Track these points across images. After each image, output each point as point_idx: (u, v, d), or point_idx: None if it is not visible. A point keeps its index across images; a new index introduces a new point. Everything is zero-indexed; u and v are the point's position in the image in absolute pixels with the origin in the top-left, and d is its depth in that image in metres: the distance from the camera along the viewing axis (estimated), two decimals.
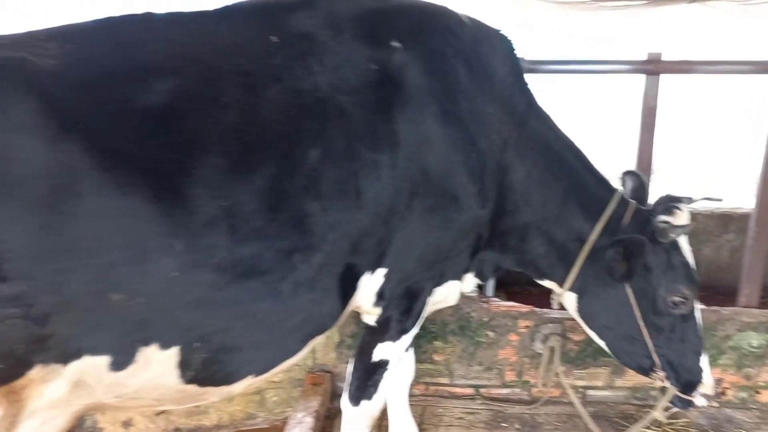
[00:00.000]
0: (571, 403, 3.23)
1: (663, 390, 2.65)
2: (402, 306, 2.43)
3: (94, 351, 1.72)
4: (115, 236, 1.66)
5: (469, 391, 3.87)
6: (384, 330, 2.48)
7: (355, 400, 2.63)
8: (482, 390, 3.86)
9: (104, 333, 1.71)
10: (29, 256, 1.55)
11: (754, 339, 3.66)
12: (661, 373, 2.56)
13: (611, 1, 5.08)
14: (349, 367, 2.68)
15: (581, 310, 2.68)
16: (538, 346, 3.66)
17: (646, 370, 2.63)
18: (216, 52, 1.96)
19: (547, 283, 2.75)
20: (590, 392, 3.81)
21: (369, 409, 2.65)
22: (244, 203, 1.84)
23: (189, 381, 1.92)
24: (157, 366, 1.83)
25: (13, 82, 1.60)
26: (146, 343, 1.78)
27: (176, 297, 1.77)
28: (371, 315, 2.45)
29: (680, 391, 2.58)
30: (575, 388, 3.71)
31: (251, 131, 1.90)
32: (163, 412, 3.76)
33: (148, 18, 1.98)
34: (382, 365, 2.57)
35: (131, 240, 1.68)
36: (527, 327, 3.71)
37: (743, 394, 3.77)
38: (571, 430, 3.49)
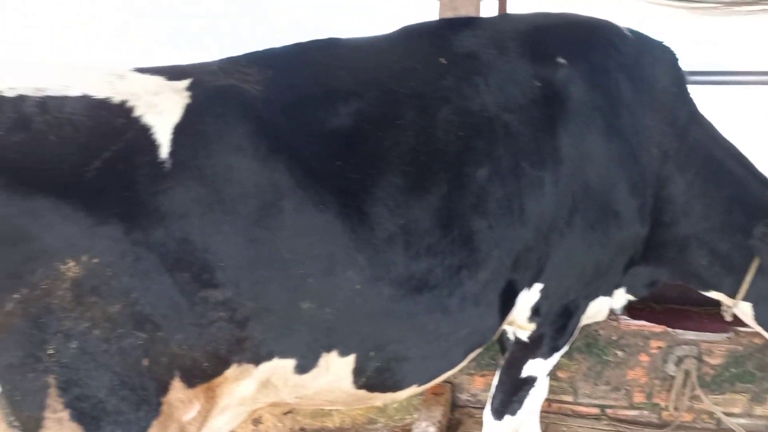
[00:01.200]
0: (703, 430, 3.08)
1: None
2: (557, 323, 2.42)
3: (284, 354, 1.83)
4: (310, 250, 1.75)
5: (594, 410, 3.76)
6: (536, 346, 2.47)
7: (499, 414, 2.63)
8: (608, 410, 3.75)
9: (293, 338, 1.82)
10: (237, 266, 1.67)
11: None
12: None
13: (746, 6, 4.83)
14: (494, 380, 2.68)
15: (759, 318, 2.57)
16: (671, 368, 3.51)
17: None
18: (392, 76, 2.05)
19: (714, 295, 2.65)
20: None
21: (511, 424, 2.64)
22: (418, 221, 1.90)
23: (360, 387, 2.03)
24: (336, 371, 1.94)
25: (231, 109, 1.73)
26: (329, 349, 1.88)
27: (358, 308, 1.86)
28: (524, 330, 2.44)
29: None
30: (710, 413, 3.54)
31: (425, 152, 1.96)
32: (290, 411, 3.90)
33: (333, 43, 2.10)
34: (530, 382, 2.56)
35: (323, 253, 1.77)
36: (659, 348, 3.57)
37: None
38: None
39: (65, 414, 1.56)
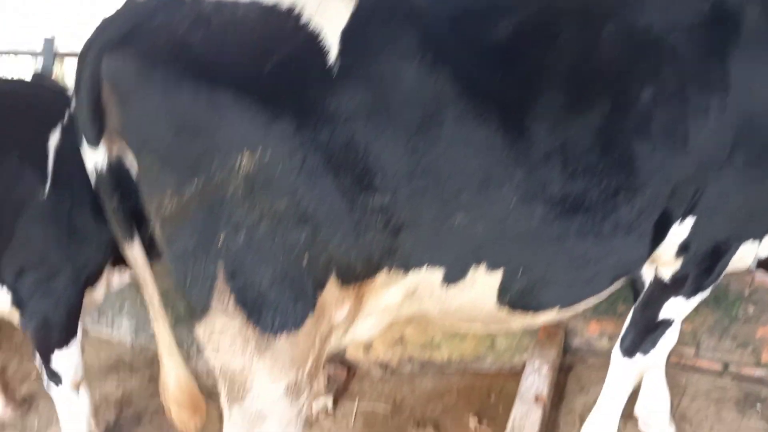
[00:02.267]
0: None
1: None
2: (705, 263, 2.29)
3: (433, 264, 1.86)
4: (467, 163, 1.73)
5: (717, 366, 3.61)
6: (678, 286, 2.36)
7: (629, 353, 2.56)
8: (732, 367, 3.58)
9: (445, 249, 1.84)
10: (396, 174, 1.68)
11: None
12: None
13: None
14: (627, 319, 2.60)
15: None
16: None
17: None
18: None
19: None
20: None
21: (642, 363, 2.57)
22: (577, 140, 1.83)
23: (503, 304, 2.05)
24: (481, 286, 1.95)
25: (398, 16, 1.70)
26: (478, 262, 1.90)
27: (510, 225, 1.84)
28: (668, 268, 2.33)
29: None
30: None
31: (587, 69, 1.87)
32: (400, 340, 3.99)
33: None
34: (666, 324, 2.47)
35: (480, 167, 1.75)
36: None
37: None
38: None
39: (231, 299, 1.68)
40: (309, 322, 1.76)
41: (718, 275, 2.35)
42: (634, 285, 2.79)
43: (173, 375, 2.01)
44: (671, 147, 1.94)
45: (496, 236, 1.85)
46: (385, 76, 1.65)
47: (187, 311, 1.78)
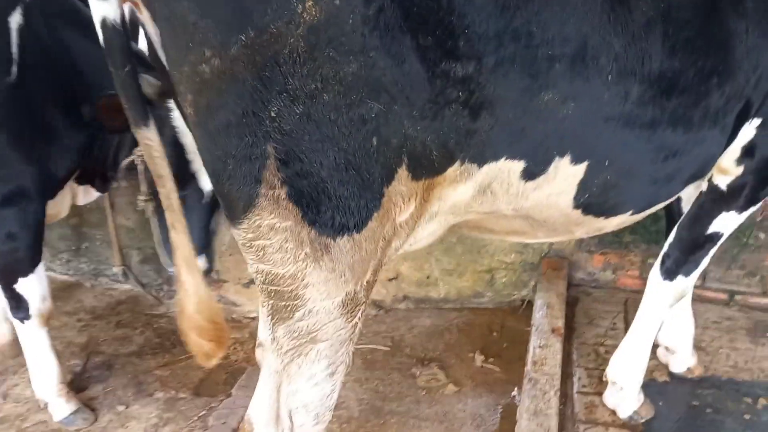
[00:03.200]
0: None
1: None
2: (765, 172, 2.08)
3: (514, 155, 1.57)
4: (563, 28, 1.44)
5: (723, 296, 3.51)
6: (734, 197, 2.14)
7: (671, 274, 2.34)
8: (738, 297, 3.49)
9: (528, 137, 1.55)
10: (484, 37, 1.36)
11: None
12: None
13: None
14: (668, 239, 2.39)
15: None
16: None
17: None
18: None
19: None
20: None
21: (683, 286, 2.37)
22: (680, 7, 1.56)
23: (577, 206, 1.80)
24: (562, 182, 1.69)
25: None
26: (562, 154, 1.62)
27: (603, 106, 1.57)
28: (726, 176, 2.12)
29: None
30: None
31: None
32: (395, 278, 3.73)
33: None
34: (715, 239, 2.25)
35: (577, 33, 1.46)
36: None
37: None
38: None
39: (282, 192, 1.33)
40: (373, 223, 1.44)
41: None
42: (669, 209, 2.59)
43: (192, 294, 1.62)
44: (764, 27, 1.71)
45: (587, 120, 1.58)
46: None
47: (227, 207, 1.44)
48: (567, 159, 1.64)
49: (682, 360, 2.86)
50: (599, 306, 3.49)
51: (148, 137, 1.47)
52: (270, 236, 1.39)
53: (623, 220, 1.99)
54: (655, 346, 2.78)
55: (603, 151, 1.68)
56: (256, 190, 1.33)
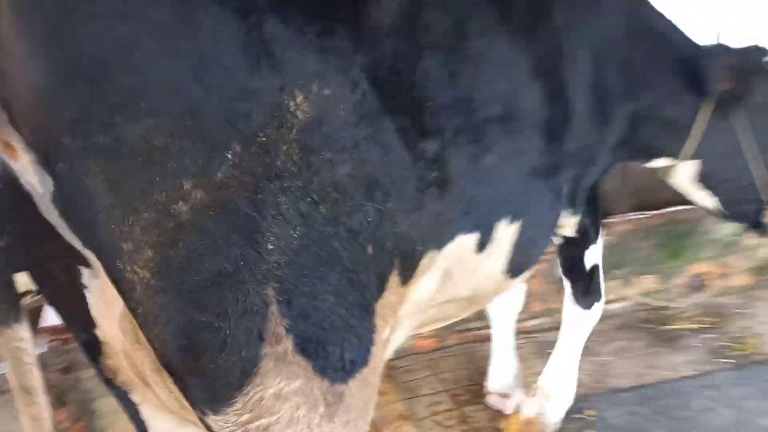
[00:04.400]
0: None
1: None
2: (589, 206, 2.26)
3: (468, 229, 1.44)
4: (491, 87, 1.43)
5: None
6: (586, 236, 2.33)
7: (588, 305, 2.54)
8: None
9: (477, 206, 1.44)
10: (441, 108, 1.29)
11: (725, 229, 3.81)
12: None
13: None
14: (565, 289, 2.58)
15: (703, 173, 2.36)
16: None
17: (757, 215, 2.42)
18: None
19: (657, 162, 2.40)
20: None
21: (600, 308, 2.58)
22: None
23: (506, 269, 1.68)
24: (501, 248, 1.59)
25: None
26: (503, 216, 1.54)
27: (526, 163, 1.59)
28: (570, 227, 2.27)
29: None
30: None
31: None
32: None
33: None
34: (596, 269, 2.47)
35: (505, 90, 1.48)
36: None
37: (721, 281, 3.94)
38: None
39: (289, 343, 1.03)
40: (376, 347, 1.19)
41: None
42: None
43: None
44: None
45: (518, 179, 1.54)
46: None
47: (207, 389, 1.04)
48: (506, 220, 1.56)
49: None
50: None
51: (20, 337, 1.01)
52: (276, 408, 1.05)
53: (525, 277, 1.96)
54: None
55: (529, 205, 1.63)
56: (259, 352, 1.01)
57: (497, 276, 1.68)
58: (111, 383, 1.20)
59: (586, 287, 2.50)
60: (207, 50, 0.92)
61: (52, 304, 1.14)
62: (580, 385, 3.04)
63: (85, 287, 1.04)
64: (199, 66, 0.91)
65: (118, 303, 1.00)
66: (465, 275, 1.54)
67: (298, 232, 1.00)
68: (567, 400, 2.69)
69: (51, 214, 0.95)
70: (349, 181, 1.07)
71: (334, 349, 1.08)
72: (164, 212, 0.91)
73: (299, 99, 0.99)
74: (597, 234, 2.40)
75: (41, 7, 0.84)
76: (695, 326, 3.54)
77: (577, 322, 2.59)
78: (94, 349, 1.14)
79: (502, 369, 2.90)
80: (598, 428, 2.72)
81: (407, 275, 1.26)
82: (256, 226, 0.96)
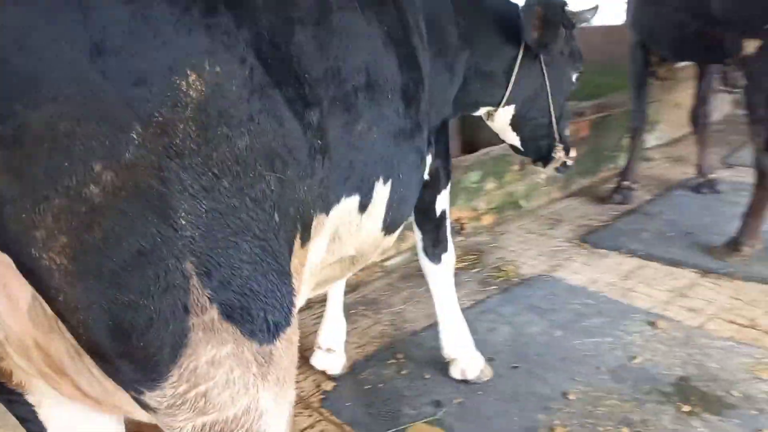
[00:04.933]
0: None
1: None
2: (441, 146, 2.47)
3: (350, 192, 1.58)
4: (358, 56, 1.57)
5: None
6: (437, 181, 2.52)
7: (437, 257, 2.69)
8: None
9: (354, 171, 1.58)
10: (317, 77, 1.39)
11: (472, 177, 4.50)
12: (559, 146, 2.81)
13: None
14: (415, 235, 2.72)
15: (515, 116, 2.72)
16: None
17: (549, 152, 2.83)
18: None
19: (481, 111, 2.74)
20: None
21: (450, 259, 2.74)
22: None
23: (383, 227, 1.88)
24: (378, 207, 1.76)
25: None
26: (377, 178, 1.69)
27: (390, 125, 1.73)
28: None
29: (564, 158, 2.87)
30: None
31: None
32: None
33: None
34: (444, 215, 2.64)
35: (368, 62, 1.61)
36: None
37: (474, 223, 4.62)
38: None
39: (214, 312, 1.07)
40: (295, 308, 1.28)
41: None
42: None
43: None
44: None
45: (386, 141, 1.69)
46: None
47: (139, 369, 1.05)
48: (380, 182, 1.71)
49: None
50: None
51: None
52: (211, 374, 1.09)
53: (397, 233, 2.12)
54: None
55: (397, 166, 1.79)
56: (186, 324, 1.03)
57: (377, 234, 1.87)
58: (4, 387, 1.15)
59: (435, 236, 2.66)
60: (99, 35, 0.93)
61: None
62: (385, 335, 3.33)
63: None
64: (93, 51, 0.92)
65: (23, 296, 1.00)
66: (350, 235, 1.69)
67: (204, 206, 1.04)
68: (474, 356, 2.85)
69: None
70: (248, 153, 1.11)
71: (258, 312, 1.14)
72: (76, 197, 0.91)
73: (192, 78, 1.01)
74: (448, 179, 2.58)
75: None
76: (462, 265, 4.02)
77: (436, 278, 2.77)
78: None
79: (332, 325, 3.00)
80: (410, 368, 2.98)
81: (305, 238, 1.35)
82: (167, 203, 0.99)
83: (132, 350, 1.01)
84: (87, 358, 1.06)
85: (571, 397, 2.63)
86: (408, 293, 3.76)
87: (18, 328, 1.05)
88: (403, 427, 2.57)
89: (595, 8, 2.63)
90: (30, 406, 1.24)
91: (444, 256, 2.72)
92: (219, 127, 1.05)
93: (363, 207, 1.67)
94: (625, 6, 6.72)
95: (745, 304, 3.29)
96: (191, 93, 1.01)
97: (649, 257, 3.92)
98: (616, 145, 5.69)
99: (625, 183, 4.87)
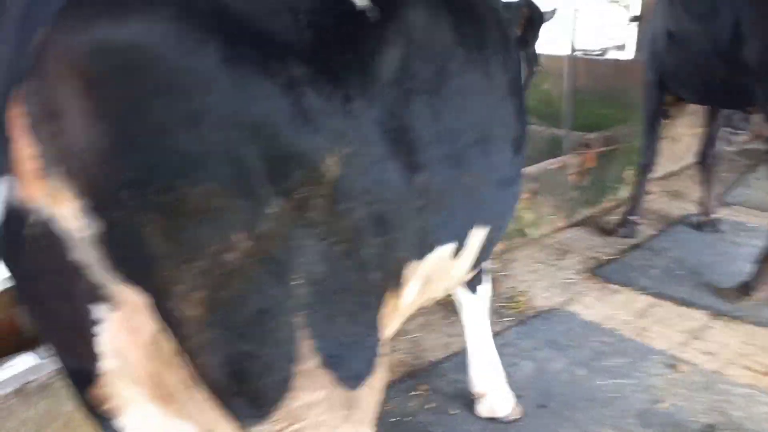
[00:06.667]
0: None
1: None
2: None
3: (446, 240, 1.62)
4: (471, 114, 1.61)
5: None
6: None
7: (473, 288, 2.70)
8: None
9: (456, 219, 1.63)
10: (428, 142, 1.43)
11: None
12: None
13: None
14: None
15: None
16: None
17: None
18: None
19: None
20: None
21: (486, 291, 2.76)
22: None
23: (471, 267, 1.93)
24: (472, 251, 1.79)
25: None
26: (475, 224, 1.74)
27: (496, 172, 1.80)
28: None
29: None
30: None
31: None
32: None
33: None
34: None
35: (480, 117, 1.66)
36: None
37: None
38: None
39: (315, 361, 1.19)
40: (380, 358, 1.37)
41: None
42: None
43: None
44: None
45: (491, 190, 1.76)
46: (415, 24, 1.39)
47: (244, 407, 1.18)
48: (477, 228, 1.76)
49: None
50: None
51: None
52: (306, 415, 1.21)
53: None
54: None
55: (496, 212, 1.86)
56: (292, 371, 1.16)
57: (463, 273, 1.94)
58: (94, 411, 1.25)
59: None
60: (261, 120, 1.04)
61: (48, 339, 1.20)
62: (404, 363, 3.30)
63: (97, 323, 1.08)
64: (253, 135, 1.03)
65: (147, 331, 1.09)
66: (440, 279, 1.74)
67: (318, 270, 1.15)
68: (506, 394, 2.84)
69: (86, 255, 1.00)
70: (362, 222, 1.22)
71: (349, 362, 1.25)
72: (215, 261, 1.03)
73: (331, 160, 1.12)
74: None
75: (111, 77, 0.93)
76: None
77: (471, 310, 2.76)
78: (85, 381, 1.17)
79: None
80: (435, 401, 2.96)
81: (399, 288, 1.44)
82: (287, 268, 1.10)
83: (245, 391, 1.14)
84: (197, 391, 1.17)
85: None
86: (423, 320, 3.74)
87: (135, 359, 1.14)
88: None
89: (554, 11, 2.75)
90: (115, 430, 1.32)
91: (479, 288, 2.71)
92: (344, 202, 1.17)
93: (457, 252, 1.71)
94: (635, 42, 6.87)
95: (759, 350, 3.35)
96: (329, 173, 1.12)
97: (660, 296, 3.97)
98: (618, 177, 5.76)
99: (631, 218, 4.93)
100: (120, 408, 1.30)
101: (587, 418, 2.79)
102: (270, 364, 1.13)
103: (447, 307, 3.85)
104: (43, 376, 2.32)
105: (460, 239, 1.69)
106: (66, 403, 2.29)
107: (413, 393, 3.01)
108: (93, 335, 1.09)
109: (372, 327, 1.31)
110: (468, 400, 2.87)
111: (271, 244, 1.07)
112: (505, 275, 4.35)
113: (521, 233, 4.91)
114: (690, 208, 5.37)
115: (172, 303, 1.04)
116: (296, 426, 1.21)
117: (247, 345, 1.10)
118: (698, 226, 4.99)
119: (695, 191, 5.35)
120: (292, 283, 1.11)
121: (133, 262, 1.02)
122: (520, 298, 3.98)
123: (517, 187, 1.99)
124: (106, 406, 1.28)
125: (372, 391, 1.35)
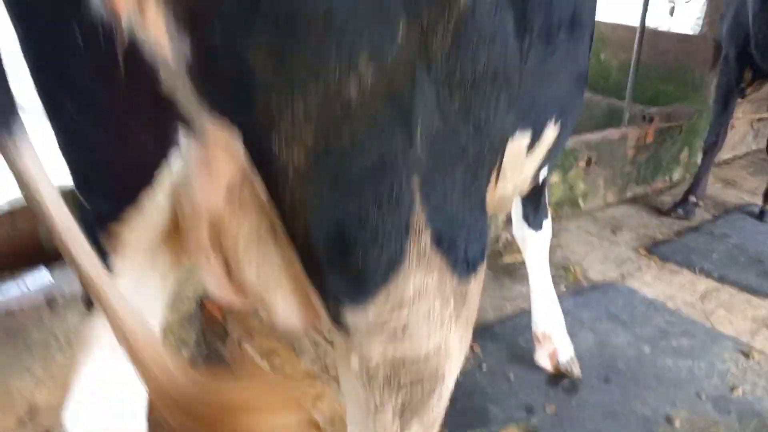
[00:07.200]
0: None
1: None
2: None
3: (525, 128, 1.41)
4: None
5: None
6: None
7: (539, 224, 2.53)
8: None
9: (536, 107, 1.42)
10: (535, 7, 1.22)
11: None
12: None
13: None
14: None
15: None
16: None
17: None
18: None
19: None
20: None
21: (549, 227, 2.60)
22: None
23: (533, 175, 1.76)
24: (542, 149, 1.59)
25: None
26: (551, 117, 1.54)
27: (577, 65, 1.61)
28: None
29: None
30: None
31: None
32: None
33: None
34: (546, 181, 2.47)
35: None
36: None
37: None
38: None
39: (428, 236, 0.99)
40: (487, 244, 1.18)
41: None
42: None
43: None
44: None
45: (571, 80, 1.57)
46: None
47: (346, 284, 0.99)
48: (552, 122, 1.56)
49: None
50: None
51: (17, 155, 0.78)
52: (415, 303, 1.02)
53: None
54: None
55: (569, 110, 1.66)
56: (405, 243, 0.97)
57: (528, 177, 1.73)
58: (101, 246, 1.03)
59: (537, 202, 2.49)
60: None
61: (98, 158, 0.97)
62: None
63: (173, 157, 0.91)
64: None
65: (224, 174, 0.92)
66: (513, 174, 1.54)
67: (436, 124, 0.96)
68: (566, 339, 2.72)
69: (180, 84, 0.82)
70: (481, 75, 1.01)
71: (462, 244, 1.06)
72: (335, 95, 0.83)
73: None
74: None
75: None
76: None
77: (535, 247, 2.59)
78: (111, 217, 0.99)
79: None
80: (490, 363, 2.75)
81: (499, 168, 1.26)
82: (412, 114, 0.91)
83: (349, 262, 0.96)
84: (268, 249, 1.00)
85: (676, 424, 2.42)
86: None
87: (206, 202, 0.97)
88: (496, 429, 2.33)
89: None
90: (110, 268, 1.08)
91: (545, 223, 2.56)
92: (469, 43, 0.95)
93: (531, 146, 1.51)
94: (700, 16, 6.50)
95: None
96: (459, 2, 0.90)
97: (723, 280, 3.72)
98: (675, 157, 5.48)
99: (692, 198, 4.66)
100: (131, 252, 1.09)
101: (659, 397, 2.57)
102: (381, 230, 0.94)
103: (498, 270, 3.64)
104: (73, 289, 2.14)
105: (536, 131, 1.49)
106: None
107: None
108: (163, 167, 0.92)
109: (482, 208, 1.12)
110: (525, 366, 2.67)
111: (398, 80, 0.87)
112: (556, 244, 4.10)
113: (574, 203, 4.66)
114: (745, 197, 5.09)
115: (272, 147, 0.85)
116: (405, 312, 1.01)
117: (359, 206, 0.92)
118: (760, 216, 4.72)
119: (749, 181, 5.09)
120: (414, 135, 0.91)
121: (231, 97, 0.83)
122: (575, 268, 3.74)
123: (583, 85, 1.78)
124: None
125: (479, 285, 1.15)
